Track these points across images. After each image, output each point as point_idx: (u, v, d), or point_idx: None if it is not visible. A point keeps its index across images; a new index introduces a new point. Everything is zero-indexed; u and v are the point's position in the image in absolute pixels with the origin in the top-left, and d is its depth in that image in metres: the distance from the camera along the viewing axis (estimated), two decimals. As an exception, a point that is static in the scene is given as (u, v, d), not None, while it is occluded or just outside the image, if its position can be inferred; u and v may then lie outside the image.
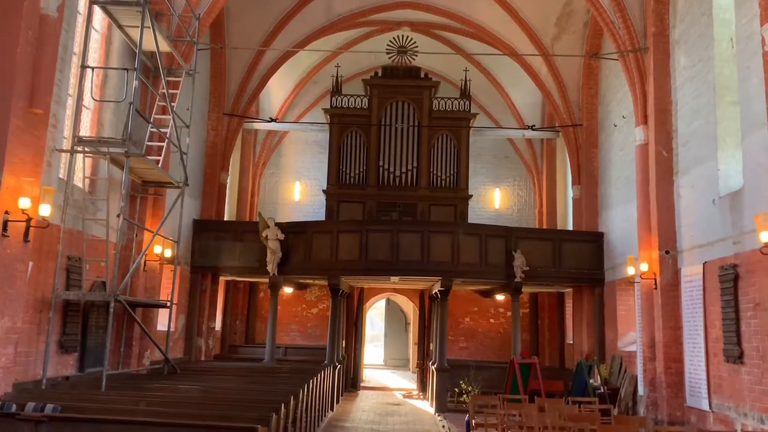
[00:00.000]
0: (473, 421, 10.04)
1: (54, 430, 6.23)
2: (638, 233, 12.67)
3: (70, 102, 10.14)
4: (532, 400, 11.09)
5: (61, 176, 9.75)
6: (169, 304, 12.22)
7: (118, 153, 9.84)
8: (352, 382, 20.01)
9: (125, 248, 11.93)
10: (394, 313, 28.74)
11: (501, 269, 15.78)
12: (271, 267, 15.85)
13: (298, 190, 21.40)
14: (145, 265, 12.33)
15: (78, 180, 10.27)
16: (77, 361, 10.37)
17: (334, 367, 15.66)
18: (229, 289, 19.84)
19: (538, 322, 20.43)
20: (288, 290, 20.11)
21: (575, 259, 16.12)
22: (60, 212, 9.40)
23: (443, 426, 13.32)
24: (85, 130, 10.98)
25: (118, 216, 9.79)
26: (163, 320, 14.67)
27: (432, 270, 15.43)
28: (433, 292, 17.70)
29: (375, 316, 37.44)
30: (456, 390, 14.80)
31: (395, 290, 21.46)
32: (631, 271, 12.88)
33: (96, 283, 10.70)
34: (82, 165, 10.21)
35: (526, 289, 18.01)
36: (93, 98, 10.42)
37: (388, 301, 28.43)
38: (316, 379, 11.93)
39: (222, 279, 18.58)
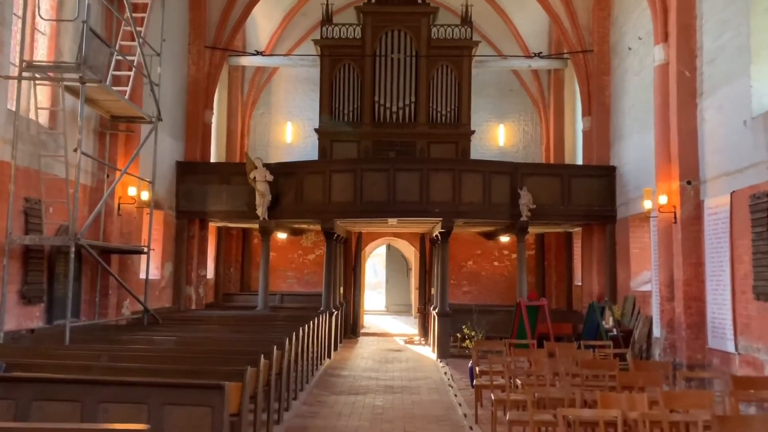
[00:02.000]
0: (477, 368, 9.21)
1: (-11, 390, 5.36)
2: (656, 163, 11.58)
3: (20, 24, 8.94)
4: (540, 344, 10.24)
5: (11, 107, 8.65)
6: (145, 249, 11.27)
7: (72, 79, 8.70)
8: (351, 329, 19.33)
9: (95, 191, 10.95)
10: (395, 258, 27.98)
11: (506, 208, 14.76)
12: (261, 211, 14.87)
13: (290, 132, 20.22)
14: (119, 208, 11.35)
15: (33, 113, 9.17)
16: (44, 313, 9.50)
17: (331, 314, 14.87)
18: (222, 235, 18.95)
19: (545, 264, 19.57)
20: (282, 236, 19.20)
21: (585, 196, 15.08)
22: (10, 148, 8.35)
23: (445, 373, 12.56)
24: (42, 57, 9.82)
25: (75, 150, 8.72)
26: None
27: (432, 211, 14.43)
28: (434, 235, 16.76)
29: (377, 263, 36.87)
30: (459, 335, 14.04)
31: (395, 235, 20.54)
32: (647, 204, 11.86)
33: (62, 228, 9.73)
34: (33, 94, 9.04)
35: (533, 230, 17.05)
36: (41, 17, 9.21)
37: (389, 246, 27.62)
38: (309, 327, 11.10)
39: (212, 225, 17.65)
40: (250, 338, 9.20)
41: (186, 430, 5.22)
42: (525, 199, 14.62)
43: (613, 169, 15.10)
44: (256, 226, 15.51)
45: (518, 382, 7.94)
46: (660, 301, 11.35)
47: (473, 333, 10.95)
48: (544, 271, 19.51)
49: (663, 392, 5.69)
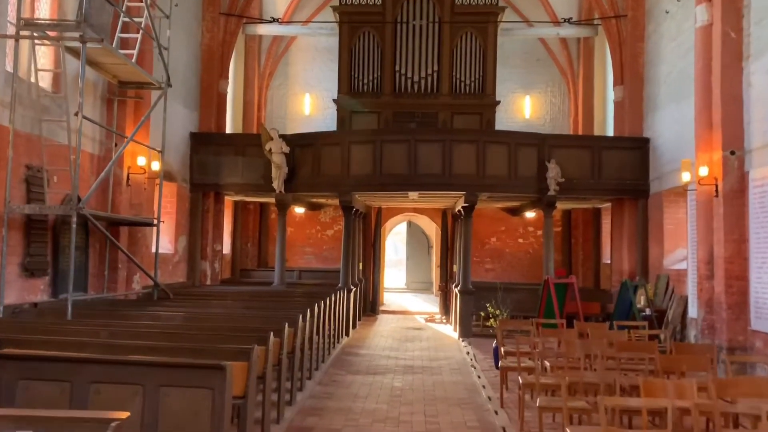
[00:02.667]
0: (502, 349, 8.65)
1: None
2: (696, 133, 10.80)
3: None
4: (570, 324, 9.65)
5: (9, 69, 8.17)
6: (155, 222, 10.83)
7: (73, 38, 8.18)
8: (371, 306, 18.88)
9: (103, 160, 10.50)
10: (415, 235, 27.42)
11: (532, 182, 14.07)
12: (277, 183, 14.36)
13: (308, 103, 19.60)
14: (128, 179, 10.89)
15: (34, 75, 8.67)
16: (48, 286, 9.11)
17: (349, 291, 14.38)
18: (238, 210, 18.52)
19: (571, 242, 18.86)
20: (299, 210, 18.70)
21: (616, 169, 14.32)
22: (9, 112, 7.88)
23: (468, 353, 12.03)
24: (44, 17, 9.31)
25: (76, 114, 8.22)
26: (161, 242, 13.41)
27: (454, 184, 13.78)
28: (457, 210, 16.14)
29: (398, 241, 36.34)
30: (482, 314, 13.47)
31: (415, 210, 19.94)
32: (685, 177, 11.10)
33: (67, 198, 9.29)
34: (33, 55, 8.53)
35: (560, 206, 16.34)
36: (40, -27, 8.69)
37: (410, 223, 27.08)
38: (326, 303, 10.62)
39: (229, 199, 17.22)
40: (262, 315, 8.73)
41: (184, 414, 4.75)
42: (553, 173, 13.92)
43: (646, 141, 14.30)
44: (273, 200, 15.02)
45: (547, 364, 7.38)
46: (698, 279, 10.65)
47: (498, 311, 10.39)
48: (571, 249, 18.81)
49: (715, 379, 5.07)
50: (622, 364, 6.96)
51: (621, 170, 14.31)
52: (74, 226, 8.13)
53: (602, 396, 4.90)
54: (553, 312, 10.95)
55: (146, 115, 10.44)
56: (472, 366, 10.68)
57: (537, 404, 5.97)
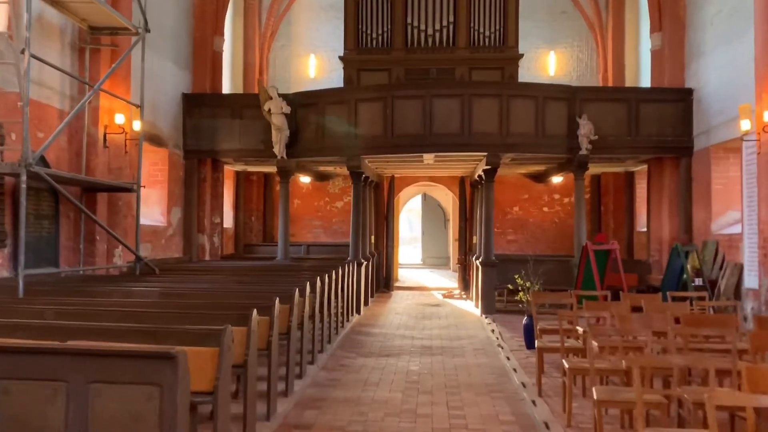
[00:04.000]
0: (538, 326, 7.31)
1: None
2: (757, 74, 9.27)
3: None
4: (615, 296, 8.28)
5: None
6: (135, 187, 9.55)
7: (17, -39, 6.84)
8: (384, 282, 17.62)
9: (75, 118, 9.16)
10: (431, 209, 26.04)
11: (561, 140, 12.62)
12: (278, 148, 13.03)
13: (314, 65, 18.15)
14: (105, 139, 9.60)
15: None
16: (8, 260, 7.87)
17: (359, 264, 13.09)
18: (241, 181, 17.27)
19: (601, 209, 17.39)
20: (305, 180, 17.36)
21: (656, 124, 12.81)
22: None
23: (492, 330, 10.71)
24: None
25: (23, 52, 6.89)
26: (151, 214, 12.19)
27: (475, 144, 12.36)
28: (477, 176, 14.73)
29: (413, 217, 34.98)
30: (509, 287, 12.14)
31: (431, 179, 18.53)
32: (745, 125, 9.60)
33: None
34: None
35: (590, 169, 14.91)
36: None
37: (425, 196, 25.70)
38: (331, 278, 9.32)
39: (229, 169, 15.96)
40: (253, 290, 7.45)
41: (121, 418, 3.46)
42: (585, 129, 12.45)
43: (689, 92, 12.75)
44: (275, 168, 13.68)
45: (594, 344, 6.03)
46: (761, 243, 9.20)
47: (529, 284, 9.04)
48: (600, 217, 17.35)
49: None
50: (690, 342, 5.60)
51: (661, 125, 12.79)
52: (23, 186, 6.86)
53: (708, 391, 3.53)
54: (593, 283, 9.58)
55: (118, 61, 9.09)
56: (499, 346, 9.36)
57: (595, 396, 4.62)
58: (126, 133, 9.88)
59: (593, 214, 17.45)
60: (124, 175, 10.01)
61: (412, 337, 10.19)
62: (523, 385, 6.96)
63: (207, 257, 14.07)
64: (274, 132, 13.00)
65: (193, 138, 13.61)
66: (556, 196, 17.70)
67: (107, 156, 9.63)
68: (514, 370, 7.74)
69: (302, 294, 7.13)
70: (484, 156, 12.49)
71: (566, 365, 5.69)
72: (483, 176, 13.08)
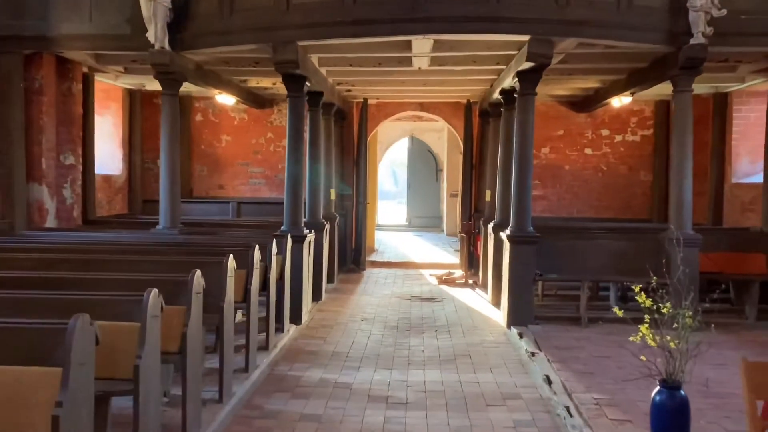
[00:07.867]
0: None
1: None
2: None
3: None
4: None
5: None
6: None
7: None
8: (353, 257, 12.23)
9: None
10: (419, 156, 20.40)
11: (659, 19, 6.98)
12: (154, 32, 7.28)
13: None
14: None
15: None
16: None
17: (299, 240, 7.55)
18: (135, 104, 11.57)
19: (669, 153, 11.89)
20: (227, 101, 11.47)
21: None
22: None
23: (546, 377, 5.23)
24: None
25: None
26: None
27: (506, 18, 6.60)
28: (497, 94, 9.12)
29: (397, 167, 29.43)
30: (536, 275, 6.72)
31: (421, 107, 12.82)
32: None
33: None
34: None
35: (654, 91, 9.47)
36: None
37: (412, 139, 20.03)
38: (227, 271, 3.77)
39: (111, 84, 10.28)
40: None
41: None
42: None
43: None
44: (183, 86, 7.92)
45: None
46: None
47: (671, 309, 3.60)
48: (668, 165, 11.86)
49: None
50: None
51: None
52: None
53: None
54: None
55: None
56: (572, 427, 3.96)
57: None
58: None
59: (657, 160, 12.04)
60: None
61: (386, 398, 4.75)
62: None
63: (51, 223, 8.44)
64: (144, 5, 7.22)
65: (12, 16, 7.77)
66: (605, 132, 12.14)
67: None
68: None
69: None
70: (524, 42, 6.84)
71: None
72: (517, 87, 7.49)
